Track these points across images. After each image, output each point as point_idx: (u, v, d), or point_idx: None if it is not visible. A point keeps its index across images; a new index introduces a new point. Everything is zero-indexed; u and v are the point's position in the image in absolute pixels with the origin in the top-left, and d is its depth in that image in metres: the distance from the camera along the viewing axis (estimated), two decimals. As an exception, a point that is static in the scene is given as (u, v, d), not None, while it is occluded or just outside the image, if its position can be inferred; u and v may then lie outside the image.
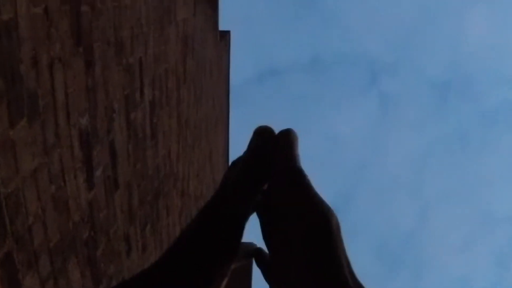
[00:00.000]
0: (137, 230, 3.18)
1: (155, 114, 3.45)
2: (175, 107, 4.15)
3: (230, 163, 0.60)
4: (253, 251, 0.58)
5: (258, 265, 0.56)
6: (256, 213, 0.56)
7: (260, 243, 0.59)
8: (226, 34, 8.23)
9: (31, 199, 1.73)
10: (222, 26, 7.01)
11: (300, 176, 0.52)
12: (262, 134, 0.59)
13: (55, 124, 1.91)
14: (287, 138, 0.57)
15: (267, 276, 0.54)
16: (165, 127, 3.80)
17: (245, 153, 0.58)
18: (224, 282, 0.52)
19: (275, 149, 0.56)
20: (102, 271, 2.54)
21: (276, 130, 0.59)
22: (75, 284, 2.19)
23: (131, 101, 2.87)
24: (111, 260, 2.68)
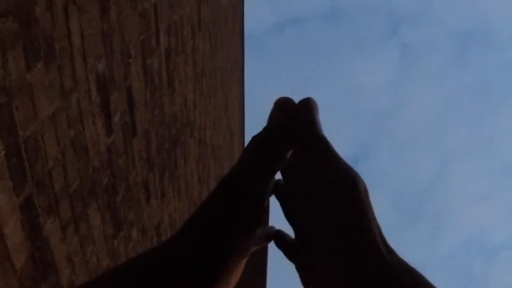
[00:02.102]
0: (155, 178, 3.19)
1: (171, 61, 3.42)
2: (191, 55, 4.11)
3: (249, 138, 0.57)
4: (272, 233, 0.56)
5: (279, 246, 0.55)
6: (274, 191, 0.55)
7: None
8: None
9: (50, 143, 1.72)
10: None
11: (324, 143, 0.50)
12: (282, 105, 0.57)
13: (72, 68, 1.88)
14: (308, 106, 0.55)
15: (290, 255, 0.52)
16: (181, 75, 3.78)
17: (266, 126, 0.56)
18: (244, 261, 0.50)
19: (296, 119, 0.54)
20: (122, 217, 2.55)
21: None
22: (96, 229, 2.21)
23: (147, 47, 2.84)
24: (131, 207, 2.70)
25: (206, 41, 4.88)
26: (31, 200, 1.61)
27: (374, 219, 0.44)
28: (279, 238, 0.55)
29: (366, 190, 0.46)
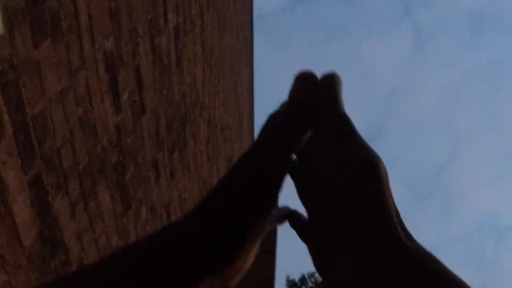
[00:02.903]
0: (165, 156, 3.19)
1: (179, 40, 3.40)
2: (199, 34, 4.09)
3: (264, 116, 0.55)
4: (286, 213, 0.54)
5: (293, 226, 0.53)
6: (289, 171, 0.52)
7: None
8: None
9: (58, 121, 1.72)
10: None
11: (345, 123, 0.49)
12: (304, 80, 0.54)
13: (80, 46, 1.87)
14: (331, 82, 0.52)
15: (304, 236, 0.51)
16: (190, 55, 3.76)
17: (286, 102, 0.54)
18: (260, 240, 0.49)
19: (318, 95, 0.52)
20: (132, 195, 2.56)
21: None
22: (105, 207, 2.21)
23: (155, 26, 2.83)
24: (140, 185, 2.70)
25: (215, 20, 4.85)
26: (39, 177, 1.61)
27: (393, 204, 0.43)
28: (294, 219, 0.53)
29: (386, 174, 0.44)
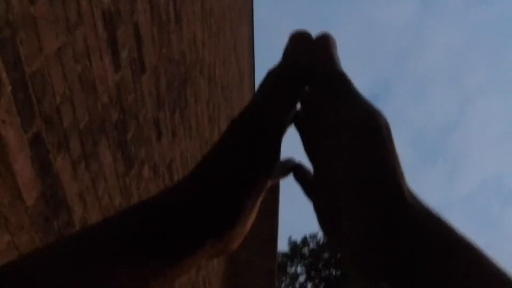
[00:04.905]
0: (166, 115, 3.17)
1: (178, -3, 3.35)
2: (199, -9, 4.03)
3: (264, 73, 0.53)
4: (292, 166, 0.53)
5: (298, 181, 0.52)
6: (295, 124, 0.52)
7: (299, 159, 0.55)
8: None
9: (57, 78, 1.69)
10: None
11: (343, 80, 0.48)
12: (298, 40, 0.52)
13: (77, 2, 1.83)
14: (325, 41, 0.51)
15: (308, 192, 0.50)
16: (189, 12, 3.71)
17: (281, 60, 0.52)
18: (261, 199, 0.47)
19: (313, 53, 0.51)
20: (133, 154, 2.55)
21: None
22: (107, 167, 2.20)
23: (154, -17, 2.77)
24: (142, 144, 2.68)
25: (214, -23, 4.78)
26: (40, 136, 1.59)
27: (397, 161, 0.42)
28: (299, 172, 0.53)
29: (388, 130, 0.43)
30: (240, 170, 0.45)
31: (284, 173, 0.53)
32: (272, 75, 0.51)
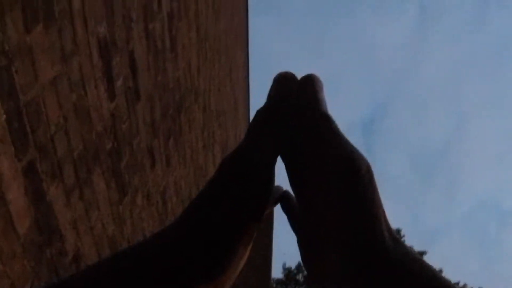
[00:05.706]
0: (160, 143, 3.17)
1: (173, 25, 3.37)
2: (194, 19, 4.05)
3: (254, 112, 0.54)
4: (279, 196, 0.53)
5: (284, 211, 0.53)
6: (281, 157, 0.51)
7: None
8: None
9: (52, 107, 1.69)
10: None
11: (327, 121, 0.47)
12: (283, 81, 0.53)
13: (73, 31, 1.84)
14: (311, 82, 0.51)
15: (293, 225, 0.50)
16: (185, 40, 3.73)
17: (266, 101, 0.52)
18: (251, 242, 0.47)
19: (298, 95, 0.51)
20: (127, 182, 2.54)
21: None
22: (101, 195, 2.19)
23: (149, 11, 2.79)
24: (135, 172, 2.68)
25: (209, 4, 4.82)
26: (33, 165, 1.59)
27: (377, 206, 0.42)
28: (286, 202, 0.53)
29: (370, 173, 0.43)
30: (230, 215, 0.45)
31: (273, 203, 0.53)
32: (258, 115, 0.51)
